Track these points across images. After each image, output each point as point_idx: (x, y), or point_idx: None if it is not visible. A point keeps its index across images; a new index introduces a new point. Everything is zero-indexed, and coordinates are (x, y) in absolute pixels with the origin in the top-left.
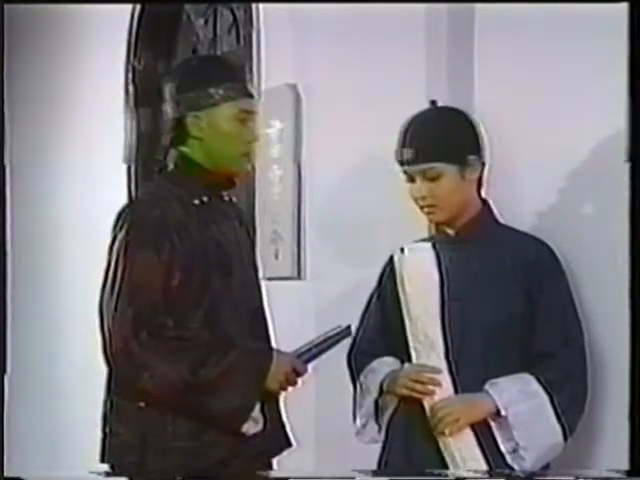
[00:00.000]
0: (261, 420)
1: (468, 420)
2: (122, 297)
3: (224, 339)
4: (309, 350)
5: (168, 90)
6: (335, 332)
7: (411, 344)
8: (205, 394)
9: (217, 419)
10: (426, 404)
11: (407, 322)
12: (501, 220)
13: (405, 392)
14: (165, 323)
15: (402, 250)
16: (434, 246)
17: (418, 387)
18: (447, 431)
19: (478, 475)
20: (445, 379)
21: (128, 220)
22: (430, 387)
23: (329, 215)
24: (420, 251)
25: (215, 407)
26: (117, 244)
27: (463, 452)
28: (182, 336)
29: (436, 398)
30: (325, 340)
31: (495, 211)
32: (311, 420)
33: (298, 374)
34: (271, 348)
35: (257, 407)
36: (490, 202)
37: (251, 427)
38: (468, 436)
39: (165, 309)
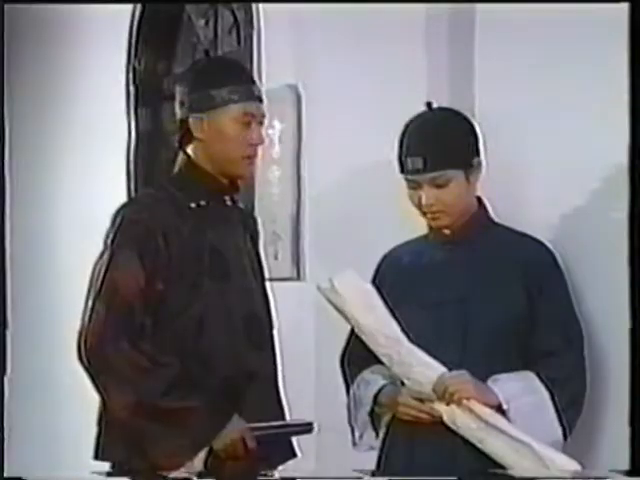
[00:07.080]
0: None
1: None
2: (102, 297)
3: (193, 377)
4: (266, 429)
5: (177, 91)
6: (296, 423)
7: (379, 353)
8: (154, 421)
9: (152, 450)
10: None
11: (364, 337)
12: (496, 219)
13: (412, 418)
14: (144, 324)
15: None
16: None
17: (422, 409)
18: (465, 401)
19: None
20: (430, 366)
21: (118, 221)
22: (430, 407)
23: (329, 216)
24: (344, 276)
25: (156, 439)
26: (106, 243)
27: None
28: (156, 359)
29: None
30: (284, 426)
31: (490, 210)
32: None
33: (246, 446)
34: (231, 411)
35: (201, 456)
36: (485, 201)
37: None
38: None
39: (146, 312)
